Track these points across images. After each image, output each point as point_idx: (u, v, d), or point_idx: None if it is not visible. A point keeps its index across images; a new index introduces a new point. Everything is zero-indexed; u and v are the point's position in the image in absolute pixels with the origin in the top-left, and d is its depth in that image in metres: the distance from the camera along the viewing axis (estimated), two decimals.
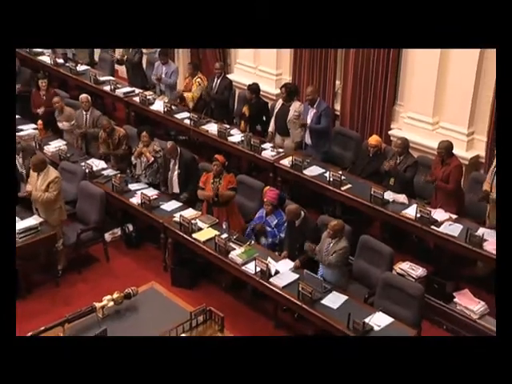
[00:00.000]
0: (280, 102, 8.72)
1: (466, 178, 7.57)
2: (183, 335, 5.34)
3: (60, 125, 9.12)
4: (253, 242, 6.73)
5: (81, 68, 10.96)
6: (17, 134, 8.53)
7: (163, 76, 10.00)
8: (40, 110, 9.53)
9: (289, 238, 6.68)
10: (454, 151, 7.15)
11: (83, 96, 8.93)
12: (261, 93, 9.08)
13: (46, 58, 11.42)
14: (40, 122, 9.32)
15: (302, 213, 6.52)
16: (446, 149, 6.97)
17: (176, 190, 7.74)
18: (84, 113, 8.81)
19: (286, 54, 9.73)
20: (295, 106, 8.47)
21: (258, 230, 6.84)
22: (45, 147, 8.71)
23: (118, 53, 11.04)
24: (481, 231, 6.50)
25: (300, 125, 8.35)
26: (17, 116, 9.63)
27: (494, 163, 6.81)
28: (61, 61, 11.21)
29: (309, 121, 8.24)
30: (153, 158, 7.85)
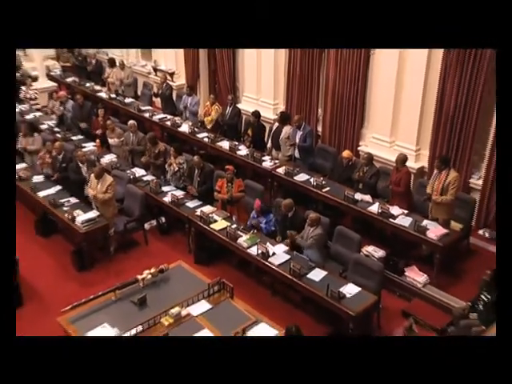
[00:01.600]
0: (276, 124, 8.72)
1: (415, 183, 7.54)
2: (202, 301, 5.38)
3: (111, 141, 9.16)
4: (255, 231, 6.73)
5: (127, 100, 11.01)
6: (82, 149, 8.61)
7: (188, 105, 10.03)
8: (98, 132, 9.64)
9: (282, 226, 6.66)
10: (406, 163, 7.15)
11: (131, 122, 8.96)
12: (261, 118, 9.07)
13: (103, 93, 11.45)
14: (98, 140, 9.40)
15: (294, 208, 6.53)
16: (401, 160, 7.04)
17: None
18: (131, 134, 8.85)
19: (281, 88, 9.69)
20: (286, 129, 8.47)
21: (254, 225, 6.90)
22: (101, 159, 8.74)
23: (155, 87, 11.09)
24: (425, 222, 6.54)
25: (289, 144, 8.35)
26: (81, 136, 9.73)
27: (435, 172, 6.84)
28: (113, 95, 11.25)
29: (297, 140, 8.26)
30: (177, 168, 7.85)
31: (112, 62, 11.84)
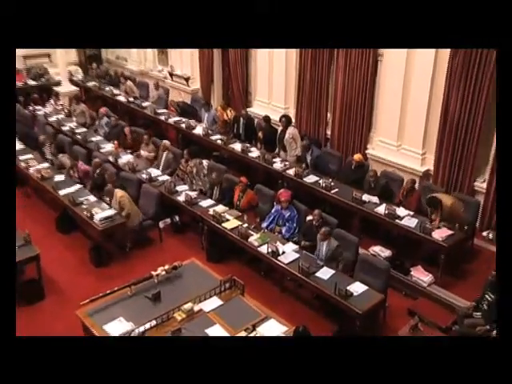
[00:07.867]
0: (281, 128, 8.75)
1: (420, 185, 7.39)
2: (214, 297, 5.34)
3: (143, 152, 8.89)
4: (266, 230, 6.62)
5: (145, 104, 10.93)
6: (100, 150, 8.54)
7: (205, 119, 9.99)
8: (128, 151, 9.14)
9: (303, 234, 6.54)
10: (412, 166, 7.25)
11: (165, 142, 8.70)
12: (272, 122, 9.05)
13: (121, 97, 11.34)
14: (116, 142, 9.16)
15: None
16: (409, 188, 6.96)
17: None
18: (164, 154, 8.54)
19: (291, 93, 9.60)
20: (289, 130, 8.50)
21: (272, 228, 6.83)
22: (118, 160, 8.56)
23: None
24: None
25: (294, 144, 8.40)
26: (101, 138, 9.54)
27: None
28: (131, 99, 11.16)
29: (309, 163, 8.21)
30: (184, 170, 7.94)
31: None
